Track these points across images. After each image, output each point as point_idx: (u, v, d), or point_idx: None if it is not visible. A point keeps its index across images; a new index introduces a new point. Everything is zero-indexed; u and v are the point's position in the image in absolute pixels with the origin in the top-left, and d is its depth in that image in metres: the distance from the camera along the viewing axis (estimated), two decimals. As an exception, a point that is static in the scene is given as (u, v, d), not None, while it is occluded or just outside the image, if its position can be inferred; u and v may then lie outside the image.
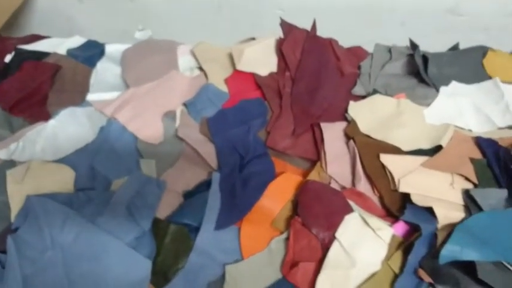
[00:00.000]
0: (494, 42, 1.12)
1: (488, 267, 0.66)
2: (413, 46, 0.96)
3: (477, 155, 0.84)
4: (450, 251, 0.67)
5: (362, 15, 1.41)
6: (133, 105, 0.91)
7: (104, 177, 0.81)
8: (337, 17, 1.35)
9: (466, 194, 0.77)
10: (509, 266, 0.67)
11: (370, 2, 1.40)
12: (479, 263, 0.66)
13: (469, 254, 0.67)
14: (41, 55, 1.02)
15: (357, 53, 1.03)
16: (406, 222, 0.74)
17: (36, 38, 1.10)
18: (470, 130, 0.89)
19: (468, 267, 0.65)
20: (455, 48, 1.05)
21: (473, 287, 0.66)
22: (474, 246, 0.68)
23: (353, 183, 0.81)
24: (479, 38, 1.16)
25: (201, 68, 1.00)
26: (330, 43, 1.01)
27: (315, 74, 0.94)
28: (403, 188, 0.76)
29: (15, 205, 0.78)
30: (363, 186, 0.79)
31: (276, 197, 0.79)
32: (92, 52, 1.04)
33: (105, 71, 1.00)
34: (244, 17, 1.51)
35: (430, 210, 0.74)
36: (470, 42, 1.07)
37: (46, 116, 0.90)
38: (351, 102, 0.90)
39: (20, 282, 0.66)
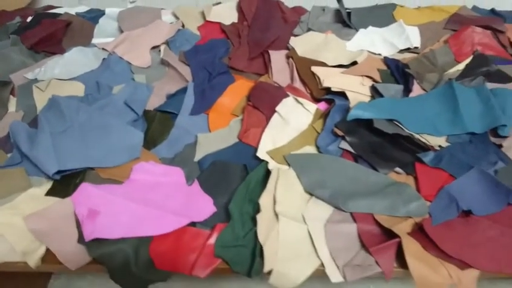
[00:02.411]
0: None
1: (381, 121, 0.95)
2: (341, 1, 1.29)
3: (383, 68, 1.14)
4: (355, 113, 0.96)
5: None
6: (128, 43, 1.20)
7: (106, 86, 1.09)
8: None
9: (373, 87, 1.07)
10: (399, 124, 0.96)
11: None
12: (375, 119, 0.95)
13: (369, 115, 0.96)
14: (55, 15, 1.32)
15: (299, 11, 1.35)
16: (326, 101, 1.03)
17: (50, 7, 1.40)
18: (379, 54, 1.19)
19: (369, 125, 0.93)
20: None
21: (369, 136, 0.95)
22: (373, 111, 0.97)
23: (291, 85, 1.10)
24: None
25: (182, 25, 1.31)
26: (278, 3, 1.33)
27: (266, 21, 1.25)
28: (325, 84, 1.06)
29: (40, 106, 1.05)
30: (298, 86, 1.08)
31: (234, 95, 1.08)
32: (95, 14, 1.35)
33: (106, 24, 1.30)
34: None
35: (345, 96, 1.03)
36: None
37: (62, 51, 1.19)
38: (292, 38, 1.22)
39: (49, 139, 0.92)
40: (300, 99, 1.01)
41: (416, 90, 1.06)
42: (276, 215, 0.82)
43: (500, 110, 0.96)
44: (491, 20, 1.25)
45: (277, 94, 1.04)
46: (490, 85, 1.04)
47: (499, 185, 0.84)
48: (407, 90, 1.06)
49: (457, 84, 1.01)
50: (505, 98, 0.99)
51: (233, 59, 1.16)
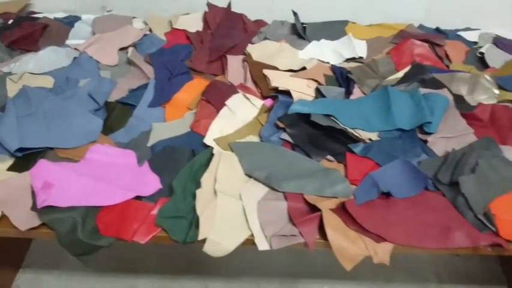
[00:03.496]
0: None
1: (318, 115, 1.05)
2: (294, 13, 1.41)
3: (330, 74, 1.26)
4: (296, 108, 1.06)
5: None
6: (98, 44, 1.31)
7: (74, 80, 1.19)
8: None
9: (317, 89, 1.18)
10: (335, 119, 1.06)
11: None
12: (313, 114, 1.05)
13: (308, 109, 1.06)
14: (34, 19, 1.43)
15: (260, 23, 1.47)
16: (272, 98, 1.13)
17: (32, 13, 1.51)
18: (328, 62, 1.31)
19: (308, 119, 1.03)
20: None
21: (308, 129, 1.04)
22: (312, 107, 1.07)
23: (244, 85, 1.21)
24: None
25: (150, 30, 1.43)
26: (241, 16, 1.45)
27: (227, 30, 1.37)
28: (274, 84, 1.16)
29: (11, 95, 1.14)
30: (250, 85, 1.19)
31: (191, 91, 1.18)
32: (72, 19, 1.46)
33: (80, 28, 1.41)
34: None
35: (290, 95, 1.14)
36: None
37: (37, 49, 1.29)
38: (249, 45, 1.33)
39: (14, 120, 1.01)
40: (248, 95, 1.12)
41: (357, 93, 1.17)
42: (215, 192, 0.90)
43: (428, 111, 1.06)
44: (433, 36, 1.38)
45: (229, 91, 1.14)
46: (424, 90, 1.15)
47: (419, 172, 0.94)
48: (348, 93, 1.17)
49: (392, 89, 1.12)
50: (434, 101, 1.09)
51: (194, 61, 1.27)
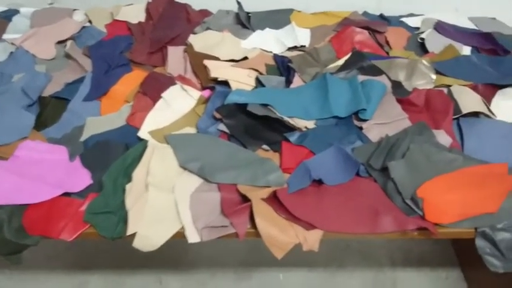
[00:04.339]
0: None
1: (255, 105, 1.04)
2: (238, 2, 1.40)
3: (272, 63, 1.25)
4: (232, 98, 1.05)
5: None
6: (35, 38, 1.27)
7: (8, 75, 1.15)
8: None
9: (257, 78, 1.17)
10: (272, 109, 1.06)
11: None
12: (250, 103, 1.04)
13: (244, 99, 1.05)
14: (-31, 13, 1.38)
15: (205, 13, 1.45)
16: (211, 89, 1.12)
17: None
18: (271, 52, 1.30)
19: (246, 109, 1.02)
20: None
21: (245, 119, 1.04)
22: (249, 97, 1.07)
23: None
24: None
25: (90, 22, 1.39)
26: (185, 6, 1.43)
27: (170, 21, 1.35)
28: (213, 75, 1.15)
29: None
30: (189, 76, 1.18)
31: (128, 83, 1.16)
32: (11, 13, 1.41)
33: (18, 22, 1.36)
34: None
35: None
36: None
37: (-31, 44, 1.25)
38: (191, 35, 1.31)
39: None
40: (185, 86, 1.10)
41: (297, 82, 1.17)
42: (147, 185, 0.89)
43: (364, 98, 1.07)
44: (376, 23, 1.38)
45: (167, 82, 1.13)
46: (362, 77, 1.16)
47: (350, 159, 0.95)
48: (288, 82, 1.17)
49: (330, 76, 1.13)
50: (372, 87, 1.10)
51: (134, 52, 1.25)
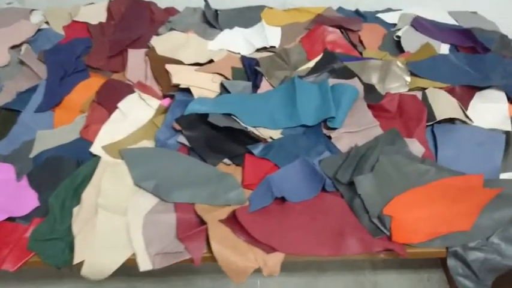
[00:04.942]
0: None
1: (216, 115, 0.98)
2: (206, 2, 1.32)
3: (239, 66, 1.18)
4: (192, 108, 0.99)
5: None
6: (-14, 42, 1.20)
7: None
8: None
9: (221, 84, 1.10)
10: (236, 118, 0.99)
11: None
12: (211, 113, 0.98)
13: (205, 109, 0.99)
14: None
15: (171, 11, 1.37)
16: (171, 97, 1.05)
17: None
18: (239, 53, 1.23)
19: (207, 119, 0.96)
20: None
21: (206, 130, 0.97)
22: (211, 106, 1.00)
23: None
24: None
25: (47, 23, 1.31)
26: (149, 4, 1.35)
27: (132, 21, 1.27)
28: (174, 81, 1.08)
29: None
30: (150, 83, 1.11)
31: (84, 92, 1.08)
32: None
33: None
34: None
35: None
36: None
37: None
38: (154, 37, 1.24)
39: None
40: (143, 95, 1.04)
41: (265, 86, 1.11)
42: (97, 208, 0.83)
43: (334, 104, 1.01)
44: (350, 20, 1.31)
45: (124, 91, 1.06)
46: (334, 81, 1.09)
47: (316, 173, 0.89)
48: (255, 87, 1.10)
49: (299, 80, 1.06)
50: (343, 92, 1.04)
51: (91, 57, 1.17)
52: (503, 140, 0.96)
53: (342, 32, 1.26)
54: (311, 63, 1.17)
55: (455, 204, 0.85)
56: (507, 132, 0.97)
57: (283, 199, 0.86)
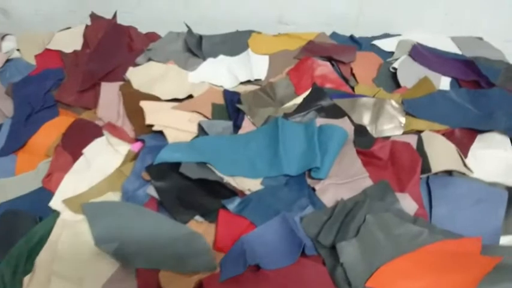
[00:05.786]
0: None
1: (190, 165, 0.90)
2: (188, 28, 1.23)
3: (222, 102, 1.09)
4: (163, 156, 0.90)
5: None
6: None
7: None
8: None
9: (199, 124, 1.01)
10: (211, 167, 0.91)
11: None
12: (184, 162, 0.89)
13: (178, 157, 0.90)
14: None
15: (152, 37, 1.29)
16: (143, 141, 0.97)
17: None
18: (221, 86, 1.14)
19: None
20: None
21: (179, 180, 0.89)
22: (184, 153, 0.92)
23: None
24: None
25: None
26: (128, 29, 1.26)
27: (109, 49, 1.19)
28: (148, 121, 1.00)
29: None
30: (121, 123, 1.02)
31: (50, 133, 1.00)
32: None
33: None
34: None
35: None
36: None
37: None
38: (130, 68, 1.15)
39: None
40: (112, 139, 0.95)
41: (247, 126, 1.02)
42: (50, 276, 0.75)
43: (320, 151, 0.92)
44: (343, 48, 1.22)
45: (93, 133, 0.98)
46: (322, 120, 1.00)
47: (294, 235, 0.80)
48: (236, 127, 1.02)
49: (283, 121, 0.98)
50: (331, 135, 0.95)
51: (62, 91, 1.09)
52: (506, 197, 0.86)
53: (332, 65, 1.16)
54: (299, 99, 1.08)
55: (450, 275, 0.76)
56: (510, 189, 0.87)
57: (257, 266, 0.78)
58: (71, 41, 1.23)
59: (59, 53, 1.21)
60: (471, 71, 1.15)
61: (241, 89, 1.12)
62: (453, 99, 1.07)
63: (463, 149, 0.96)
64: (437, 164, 0.91)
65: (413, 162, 0.91)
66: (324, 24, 1.65)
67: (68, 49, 1.21)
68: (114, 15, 1.26)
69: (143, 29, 1.31)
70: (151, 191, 0.88)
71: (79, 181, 0.89)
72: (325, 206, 0.88)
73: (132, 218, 0.84)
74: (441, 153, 0.93)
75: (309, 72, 1.12)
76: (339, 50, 1.20)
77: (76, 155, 0.93)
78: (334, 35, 1.32)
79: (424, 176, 0.91)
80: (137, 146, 0.96)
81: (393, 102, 1.03)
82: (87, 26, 1.26)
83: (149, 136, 0.97)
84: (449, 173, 0.92)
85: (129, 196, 0.88)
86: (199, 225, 0.85)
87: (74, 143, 0.95)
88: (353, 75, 1.15)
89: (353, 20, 1.63)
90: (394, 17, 1.55)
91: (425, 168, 0.91)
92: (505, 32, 1.36)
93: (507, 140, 0.97)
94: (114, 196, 0.88)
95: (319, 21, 1.60)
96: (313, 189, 0.90)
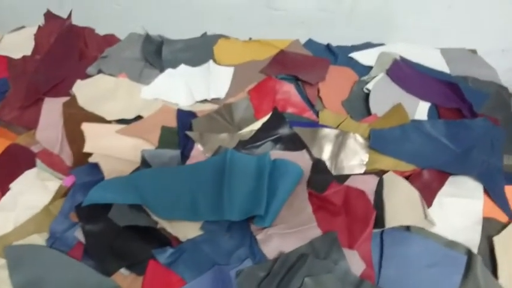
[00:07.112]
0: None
1: (121, 207, 0.82)
2: (147, 33, 1.12)
3: (174, 123, 1.00)
4: (93, 197, 0.83)
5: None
6: None
7: None
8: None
9: (142, 152, 0.93)
10: (146, 209, 0.84)
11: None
12: (116, 204, 0.82)
13: (110, 197, 0.83)
14: None
15: (110, 40, 1.18)
16: (75, 176, 0.90)
17: None
18: (177, 104, 1.05)
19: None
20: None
21: (112, 223, 0.82)
22: (117, 193, 0.84)
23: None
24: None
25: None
26: (83, 31, 1.16)
27: (57, 57, 1.09)
28: (87, 148, 0.92)
29: None
30: (59, 147, 0.94)
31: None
32: None
33: None
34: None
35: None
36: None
37: None
38: (78, 81, 1.06)
39: None
40: (43, 173, 0.88)
41: (196, 156, 0.94)
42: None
43: (268, 191, 0.83)
44: (316, 62, 1.10)
45: (26, 163, 0.91)
46: (278, 153, 0.92)
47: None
48: (184, 157, 0.93)
49: (233, 154, 0.89)
50: (283, 174, 0.87)
51: (3, 106, 1.01)
52: (463, 262, 0.77)
53: (298, 85, 1.05)
54: (257, 124, 0.98)
55: None
56: (469, 253, 0.78)
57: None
58: (22, 44, 1.13)
59: (6, 59, 1.11)
60: (454, 95, 1.03)
61: (198, 108, 1.03)
62: (427, 132, 0.96)
63: (429, 195, 0.87)
64: (393, 218, 0.82)
65: (367, 214, 0.83)
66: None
67: (17, 54, 1.12)
68: (69, 15, 1.16)
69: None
70: (78, 234, 0.82)
71: (4, 220, 0.83)
72: (266, 258, 0.80)
73: (53, 268, 0.78)
74: (401, 204, 0.84)
75: (271, 94, 1.02)
76: (310, 64, 1.09)
77: (4, 189, 0.87)
78: (309, 43, 1.20)
79: (378, 230, 0.82)
80: (70, 180, 0.89)
81: (357, 136, 0.93)
82: (39, 27, 1.15)
83: (84, 168, 0.90)
84: (406, 226, 0.83)
85: (57, 238, 0.82)
86: (123, 280, 0.79)
87: (3, 175, 0.88)
88: (320, 98, 1.03)
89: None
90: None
91: (380, 220, 0.83)
92: (501, 41, 1.21)
93: (480, 188, 0.87)
94: (40, 238, 0.82)
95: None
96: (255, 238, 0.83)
